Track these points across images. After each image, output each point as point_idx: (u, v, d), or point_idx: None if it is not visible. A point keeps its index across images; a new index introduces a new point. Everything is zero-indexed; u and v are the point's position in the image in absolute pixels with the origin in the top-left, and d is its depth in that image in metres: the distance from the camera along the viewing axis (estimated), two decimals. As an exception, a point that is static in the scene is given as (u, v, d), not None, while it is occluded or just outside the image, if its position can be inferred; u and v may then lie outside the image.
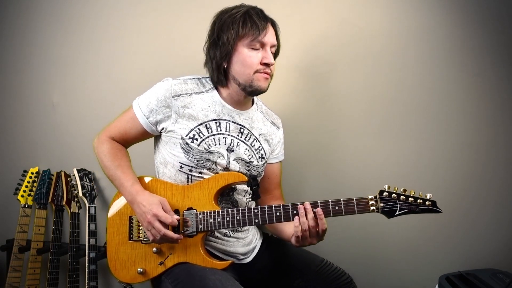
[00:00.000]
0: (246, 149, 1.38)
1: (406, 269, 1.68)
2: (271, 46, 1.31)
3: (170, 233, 1.21)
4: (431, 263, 1.64)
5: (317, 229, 1.19)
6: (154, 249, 1.28)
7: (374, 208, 1.17)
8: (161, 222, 1.21)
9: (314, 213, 1.19)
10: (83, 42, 2.14)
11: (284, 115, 1.70)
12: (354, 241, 1.74)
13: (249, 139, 1.40)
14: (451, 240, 1.61)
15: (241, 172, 1.36)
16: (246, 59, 1.27)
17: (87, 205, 1.96)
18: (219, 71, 1.32)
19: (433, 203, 1.14)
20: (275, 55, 1.37)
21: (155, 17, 1.98)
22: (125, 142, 1.41)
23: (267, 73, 1.30)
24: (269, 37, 1.29)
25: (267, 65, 1.28)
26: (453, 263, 1.59)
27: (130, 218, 1.34)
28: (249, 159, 1.39)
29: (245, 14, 1.27)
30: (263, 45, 1.28)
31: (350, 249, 1.74)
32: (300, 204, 1.21)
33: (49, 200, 2.10)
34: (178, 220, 1.24)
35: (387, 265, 1.70)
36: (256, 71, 1.28)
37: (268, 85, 1.33)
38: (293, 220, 1.21)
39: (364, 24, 1.66)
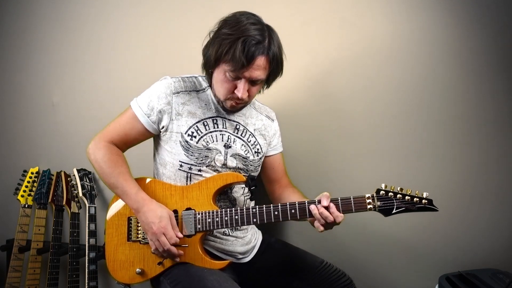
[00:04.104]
0: (243, 145, 1.40)
1: (406, 269, 1.68)
2: (252, 80, 1.25)
3: (173, 249, 1.22)
4: (431, 263, 1.63)
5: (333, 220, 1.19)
6: (153, 249, 1.29)
7: (371, 206, 1.18)
8: (166, 238, 1.21)
9: (327, 207, 1.18)
10: (83, 42, 2.15)
11: (284, 115, 1.70)
12: (354, 242, 1.73)
13: (245, 135, 1.42)
14: (451, 240, 1.61)
15: (238, 167, 1.38)
16: (223, 84, 1.28)
17: (87, 205, 1.96)
18: (206, 72, 1.36)
19: (429, 201, 1.16)
20: (274, 75, 1.32)
21: (155, 17, 1.98)
22: (124, 144, 1.38)
23: (237, 103, 1.31)
24: (251, 73, 1.22)
25: (237, 97, 1.27)
26: (453, 263, 1.58)
27: (129, 219, 1.34)
28: (246, 154, 1.40)
29: (236, 41, 1.18)
30: (240, 78, 1.24)
31: (350, 249, 1.74)
32: (308, 204, 1.21)
33: (49, 200, 2.10)
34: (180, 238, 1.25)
35: (387, 266, 1.70)
36: (227, 98, 1.30)
37: (243, 107, 1.38)
38: (291, 219, 1.23)
39: (364, 24, 1.66)
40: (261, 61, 1.21)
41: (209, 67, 1.31)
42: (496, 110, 1.53)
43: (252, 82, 1.26)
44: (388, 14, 1.63)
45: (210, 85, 1.39)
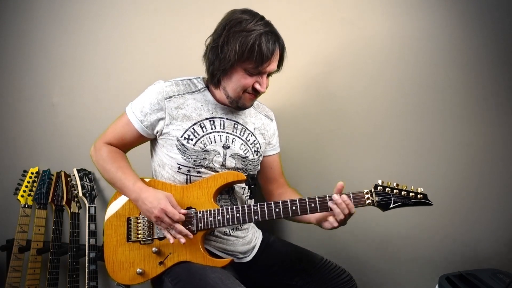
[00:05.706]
0: (242, 144, 1.39)
1: (406, 269, 1.68)
2: (270, 72, 1.30)
3: (180, 227, 1.22)
4: (431, 263, 1.63)
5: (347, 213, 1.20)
6: (154, 249, 1.28)
7: (370, 201, 1.20)
8: (169, 217, 1.21)
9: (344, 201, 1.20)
10: (82, 42, 2.14)
11: (283, 115, 1.70)
12: (354, 242, 1.73)
13: (244, 133, 1.41)
14: (451, 240, 1.61)
15: (237, 167, 1.38)
16: (241, 80, 1.27)
17: (87, 205, 1.96)
18: (213, 77, 1.32)
19: (425, 196, 1.19)
20: (279, 65, 1.35)
21: (155, 17, 1.98)
22: (123, 146, 1.40)
23: (255, 95, 1.33)
24: (271, 66, 1.27)
25: (257, 91, 1.30)
26: (453, 263, 1.59)
27: (128, 219, 1.34)
28: (245, 154, 1.40)
29: (256, 39, 1.20)
30: (261, 73, 1.27)
31: (350, 250, 1.74)
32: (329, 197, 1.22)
33: (49, 200, 2.10)
34: (185, 215, 1.24)
35: (387, 265, 1.70)
36: (246, 91, 1.30)
37: (253, 103, 1.38)
38: (292, 215, 1.24)
39: (364, 24, 1.66)
40: (277, 53, 1.28)
41: (222, 70, 1.27)
42: (498, 110, 1.54)
43: (268, 74, 1.31)
44: (388, 14, 1.63)
45: (207, 87, 1.39)
